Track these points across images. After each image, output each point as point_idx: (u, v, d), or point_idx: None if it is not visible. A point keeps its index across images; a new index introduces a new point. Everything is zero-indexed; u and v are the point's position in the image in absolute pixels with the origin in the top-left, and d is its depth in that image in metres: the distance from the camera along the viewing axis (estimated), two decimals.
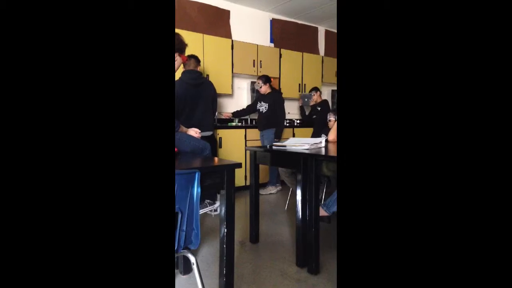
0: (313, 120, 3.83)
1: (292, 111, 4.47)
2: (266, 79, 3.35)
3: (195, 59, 2.78)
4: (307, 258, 1.70)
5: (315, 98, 3.81)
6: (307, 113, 4.05)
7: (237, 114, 3.60)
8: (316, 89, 3.85)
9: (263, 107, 3.37)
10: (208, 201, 2.72)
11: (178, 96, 2.56)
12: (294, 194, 2.62)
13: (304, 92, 4.25)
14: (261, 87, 3.35)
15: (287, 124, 4.12)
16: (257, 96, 3.52)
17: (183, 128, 1.87)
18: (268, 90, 3.36)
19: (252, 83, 4.06)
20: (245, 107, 3.66)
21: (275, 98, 3.34)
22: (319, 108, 3.75)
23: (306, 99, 3.87)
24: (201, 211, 2.66)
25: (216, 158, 1.61)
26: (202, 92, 2.73)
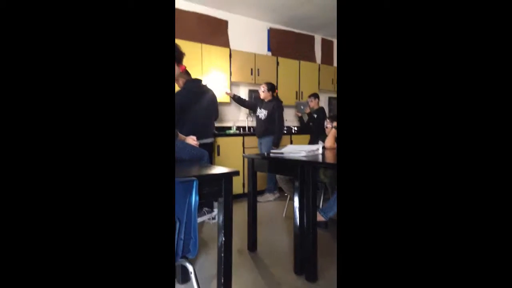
0: (310, 127, 3.86)
1: (289, 118, 4.50)
2: (270, 87, 3.41)
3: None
4: (305, 266, 1.70)
5: (313, 104, 3.83)
6: (305, 120, 4.08)
7: (237, 99, 3.60)
8: (315, 95, 3.87)
9: (262, 114, 3.40)
10: (206, 209, 2.72)
11: (182, 104, 2.63)
12: (292, 201, 2.63)
13: (302, 99, 4.29)
14: (263, 91, 3.39)
15: (285, 131, 4.15)
16: (259, 101, 3.55)
17: (181, 136, 1.88)
18: (269, 98, 3.40)
19: (250, 91, 4.09)
20: (247, 99, 3.68)
21: (275, 106, 3.37)
22: (315, 116, 3.78)
23: (302, 107, 3.89)
24: (199, 219, 2.66)
25: (214, 166, 1.63)
26: (205, 100, 2.82)
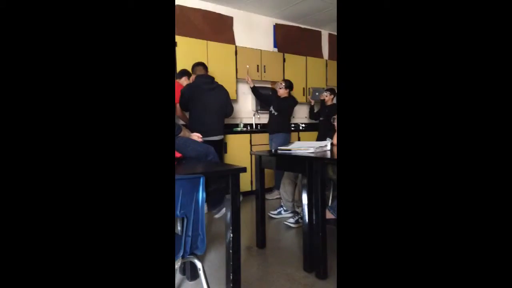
0: (319, 123, 3.81)
1: (297, 115, 4.46)
2: (288, 85, 3.40)
3: (202, 66, 2.86)
4: (314, 263, 1.68)
5: (327, 99, 3.77)
6: (315, 110, 4.02)
7: (255, 90, 3.57)
8: (332, 91, 3.79)
9: (276, 110, 3.39)
10: None
11: (190, 99, 2.69)
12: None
13: (309, 95, 4.24)
14: (280, 88, 3.38)
15: (292, 128, 4.12)
16: (274, 97, 3.53)
17: (186, 133, 1.88)
18: (285, 95, 3.40)
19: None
20: (263, 93, 3.62)
21: (289, 104, 3.37)
22: (327, 111, 3.73)
23: (317, 93, 3.83)
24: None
25: (221, 163, 1.62)
26: (215, 96, 2.83)
